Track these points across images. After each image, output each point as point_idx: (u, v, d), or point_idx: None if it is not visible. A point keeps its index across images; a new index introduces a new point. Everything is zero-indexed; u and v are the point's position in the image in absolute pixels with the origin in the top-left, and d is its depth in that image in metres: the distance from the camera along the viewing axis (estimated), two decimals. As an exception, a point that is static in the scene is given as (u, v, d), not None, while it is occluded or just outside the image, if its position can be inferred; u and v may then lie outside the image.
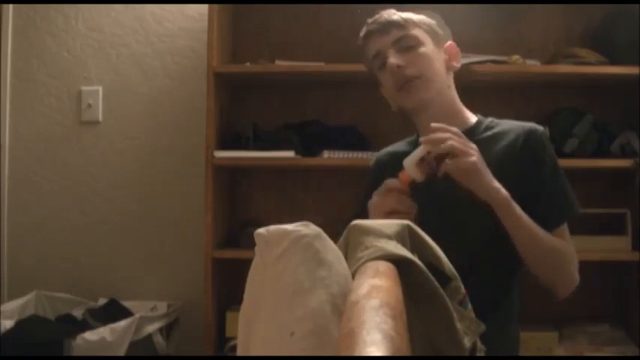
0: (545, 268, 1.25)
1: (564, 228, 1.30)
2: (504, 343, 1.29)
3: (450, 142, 1.18)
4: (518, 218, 1.21)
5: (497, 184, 1.20)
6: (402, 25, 1.34)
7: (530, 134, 1.32)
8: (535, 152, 1.31)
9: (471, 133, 1.33)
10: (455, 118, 1.35)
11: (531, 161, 1.29)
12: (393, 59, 1.31)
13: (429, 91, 1.33)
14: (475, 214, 1.29)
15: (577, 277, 1.29)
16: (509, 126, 1.36)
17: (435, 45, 1.36)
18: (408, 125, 1.49)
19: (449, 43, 1.40)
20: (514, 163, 1.29)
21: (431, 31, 1.37)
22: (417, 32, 1.34)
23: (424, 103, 1.35)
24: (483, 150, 1.29)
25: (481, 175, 1.19)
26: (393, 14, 1.36)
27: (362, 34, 1.41)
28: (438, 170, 1.21)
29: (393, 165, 1.31)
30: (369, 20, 1.40)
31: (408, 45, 1.33)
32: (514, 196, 1.22)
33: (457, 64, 1.40)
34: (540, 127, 1.35)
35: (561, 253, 1.26)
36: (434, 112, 1.35)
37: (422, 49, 1.33)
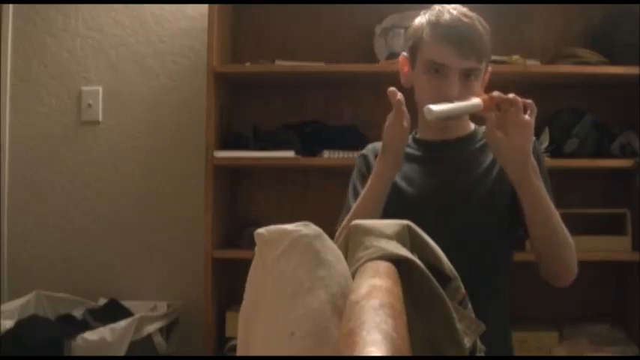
0: (553, 245, 1.25)
1: None
2: (497, 343, 1.29)
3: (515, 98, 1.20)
4: (539, 185, 1.22)
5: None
6: (480, 56, 1.31)
7: None
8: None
9: (469, 140, 1.40)
10: (458, 125, 1.39)
11: None
12: (455, 90, 1.29)
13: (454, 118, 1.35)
14: (454, 216, 1.32)
15: (576, 266, 1.29)
16: None
17: (483, 77, 1.36)
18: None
19: (488, 70, 1.40)
20: None
21: (488, 63, 1.38)
22: (482, 66, 1.34)
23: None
24: (480, 157, 1.36)
25: (531, 135, 1.20)
26: (476, 37, 1.31)
27: (434, 29, 1.32)
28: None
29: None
30: (445, 16, 1.32)
31: (470, 75, 1.32)
32: (509, 201, 1.28)
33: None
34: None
35: (566, 232, 1.26)
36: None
37: (476, 86, 1.33)
